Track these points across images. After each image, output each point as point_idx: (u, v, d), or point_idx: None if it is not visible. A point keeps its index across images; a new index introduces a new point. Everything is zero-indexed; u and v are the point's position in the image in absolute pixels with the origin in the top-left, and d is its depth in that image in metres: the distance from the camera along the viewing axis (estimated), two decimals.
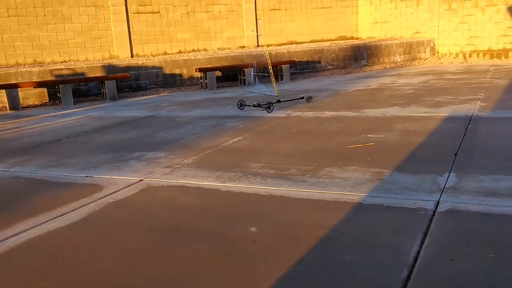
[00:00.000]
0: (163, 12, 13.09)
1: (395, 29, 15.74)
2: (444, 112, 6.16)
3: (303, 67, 12.57)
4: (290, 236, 2.73)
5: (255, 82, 7.77)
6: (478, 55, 13.97)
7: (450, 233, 2.63)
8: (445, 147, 4.43)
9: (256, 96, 7.66)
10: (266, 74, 8.07)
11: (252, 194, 3.50)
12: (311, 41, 15.90)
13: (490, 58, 13.71)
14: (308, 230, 2.78)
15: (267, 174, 3.93)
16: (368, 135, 5.15)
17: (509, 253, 2.34)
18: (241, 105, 7.33)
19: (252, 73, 8.25)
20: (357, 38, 16.81)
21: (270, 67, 7.58)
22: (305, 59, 12.61)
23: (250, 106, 7.13)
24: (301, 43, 15.60)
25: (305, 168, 4.05)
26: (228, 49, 14.21)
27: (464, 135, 4.83)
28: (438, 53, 14.75)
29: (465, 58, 14.17)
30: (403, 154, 4.30)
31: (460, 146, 4.44)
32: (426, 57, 14.60)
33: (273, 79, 7.66)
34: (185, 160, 4.55)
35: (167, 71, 11.13)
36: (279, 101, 7.37)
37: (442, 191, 3.28)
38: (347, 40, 16.30)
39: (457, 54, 14.35)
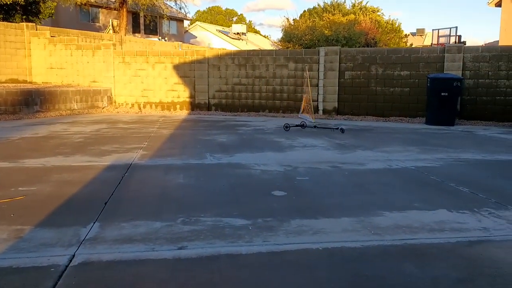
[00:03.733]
0: None
1: (72, 76, 15.54)
2: (107, 161, 6.28)
3: None
4: None
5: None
6: (151, 106, 15.17)
7: (77, 286, 2.57)
8: (99, 197, 4.46)
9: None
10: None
11: None
12: None
13: (162, 110, 15.09)
14: None
15: None
16: (20, 188, 4.72)
17: None
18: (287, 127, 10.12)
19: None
20: (30, 82, 15.80)
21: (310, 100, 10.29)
22: None
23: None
24: None
25: None
26: None
27: (119, 183, 5.01)
28: (115, 102, 15.29)
29: (140, 108, 15.15)
30: (53, 206, 4.10)
31: (112, 194, 4.55)
32: (104, 106, 14.90)
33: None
34: None
35: None
36: (315, 126, 10.09)
37: (81, 243, 3.23)
38: (19, 84, 15.10)
39: (132, 105, 15.21)
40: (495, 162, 6.66)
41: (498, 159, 6.89)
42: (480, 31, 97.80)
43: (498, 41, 22.82)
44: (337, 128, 9.58)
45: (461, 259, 3.05)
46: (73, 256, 3.00)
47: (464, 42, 25.59)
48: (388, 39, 31.48)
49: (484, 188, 4.99)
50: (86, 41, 18.07)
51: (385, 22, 33.36)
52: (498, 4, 22.43)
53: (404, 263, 2.97)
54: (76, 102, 13.86)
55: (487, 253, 3.15)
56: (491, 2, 23.09)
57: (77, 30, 19.24)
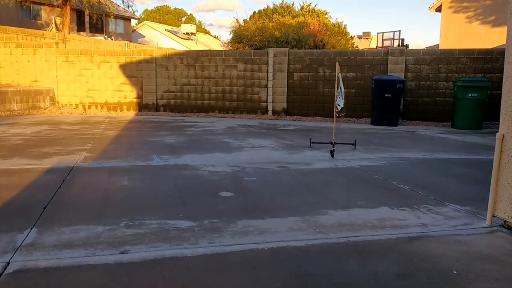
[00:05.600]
0: None
1: (11, 76, 14.82)
2: (47, 163, 6.03)
3: None
4: None
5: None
6: (96, 107, 14.72)
7: None
8: (37, 201, 4.27)
9: None
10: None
11: None
12: None
13: (108, 110, 14.68)
14: None
15: None
16: None
17: None
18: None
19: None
20: None
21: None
22: None
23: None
24: None
25: None
26: None
27: (60, 187, 4.81)
28: (58, 103, 14.73)
29: (84, 109, 14.67)
30: None
31: (52, 198, 4.36)
32: (46, 106, 14.31)
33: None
34: None
35: None
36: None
37: (17, 249, 3.07)
38: None
39: (77, 105, 14.70)
40: (434, 161, 6.95)
41: (438, 158, 7.19)
42: (423, 34, 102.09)
43: (438, 44, 23.88)
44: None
45: (401, 254, 3.15)
46: (8, 263, 2.85)
47: (407, 45, 26.57)
48: (336, 41, 32.19)
49: (424, 186, 5.19)
50: (26, 39, 17.29)
51: (332, 25, 34.10)
52: (438, 9, 23.47)
53: (347, 260, 3.03)
54: (16, 103, 13.23)
55: (425, 248, 3.27)
56: (431, 7, 24.11)
57: (16, 28, 18.38)
